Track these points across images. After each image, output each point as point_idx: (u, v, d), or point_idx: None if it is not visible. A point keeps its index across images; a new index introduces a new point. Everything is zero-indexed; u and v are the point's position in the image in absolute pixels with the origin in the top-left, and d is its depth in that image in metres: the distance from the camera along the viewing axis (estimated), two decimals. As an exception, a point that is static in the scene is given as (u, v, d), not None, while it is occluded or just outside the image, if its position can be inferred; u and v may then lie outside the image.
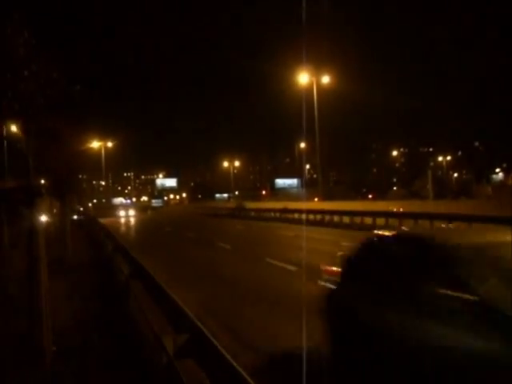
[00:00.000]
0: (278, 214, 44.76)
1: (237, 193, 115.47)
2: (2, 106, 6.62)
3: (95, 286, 13.68)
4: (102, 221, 40.99)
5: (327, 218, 35.42)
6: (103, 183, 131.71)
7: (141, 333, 8.52)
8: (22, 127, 7.18)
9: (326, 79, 47.91)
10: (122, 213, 78.70)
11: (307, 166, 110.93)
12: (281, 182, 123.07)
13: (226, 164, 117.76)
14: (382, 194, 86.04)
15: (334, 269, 7.05)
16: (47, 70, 6.87)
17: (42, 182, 15.08)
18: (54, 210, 25.39)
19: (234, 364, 5.03)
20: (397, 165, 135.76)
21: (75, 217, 71.38)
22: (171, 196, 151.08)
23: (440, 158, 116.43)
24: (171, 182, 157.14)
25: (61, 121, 9.62)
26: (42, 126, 7.80)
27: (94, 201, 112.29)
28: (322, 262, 7.81)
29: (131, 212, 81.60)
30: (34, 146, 7.33)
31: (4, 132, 12.50)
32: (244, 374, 4.79)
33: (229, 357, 5.23)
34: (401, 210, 33.06)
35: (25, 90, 6.54)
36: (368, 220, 30.64)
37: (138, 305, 9.46)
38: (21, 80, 6.45)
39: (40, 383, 6.60)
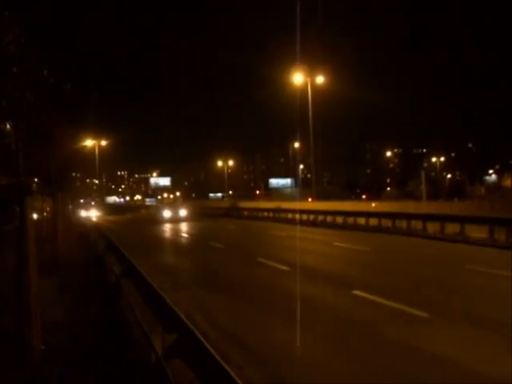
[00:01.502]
0: (271, 214, 44.71)
1: (231, 192, 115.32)
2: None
3: (86, 285, 13.62)
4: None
5: (320, 218, 35.38)
6: (97, 182, 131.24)
7: (130, 331, 8.50)
8: (11, 125, 7.14)
9: (320, 79, 47.86)
10: (166, 213, 47.11)
11: (301, 166, 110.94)
12: (274, 182, 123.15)
13: (220, 163, 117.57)
14: (375, 194, 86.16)
15: None
16: (37, 68, 6.83)
17: (36, 180, 15.00)
18: (48, 209, 25.25)
19: (224, 365, 5.02)
20: (391, 165, 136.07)
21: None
22: (165, 195, 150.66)
23: (434, 159, 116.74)
24: (165, 181, 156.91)
25: (51, 119, 9.56)
26: (32, 124, 7.75)
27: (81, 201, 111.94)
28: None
29: (183, 212, 47.52)
30: (24, 144, 7.29)
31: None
32: (234, 376, 4.78)
33: (219, 357, 5.21)
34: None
35: (14, 88, 6.49)
36: (361, 220, 30.64)
37: (129, 304, 9.45)
38: (10, 77, 6.40)
39: (28, 382, 6.56)
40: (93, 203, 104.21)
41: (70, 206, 46.59)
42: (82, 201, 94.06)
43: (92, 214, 75.27)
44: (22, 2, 6.80)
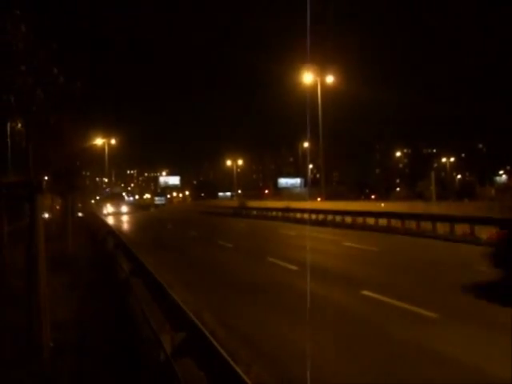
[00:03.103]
0: (280, 214, 44.68)
1: (239, 191, 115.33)
2: (2, 101, 6.61)
3: (95, 282, 13.66)
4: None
5: (329, 217, 35.33)
6: (106, 180, 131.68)
7: (139, 330, 8.51)
8: (22, 122, 7.19)
9: (330, 79, 47.81)
10: None
11: (310, 166, 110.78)
12: (283, 182, 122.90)
13: (229, 163, 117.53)
14: (384, 194, 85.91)
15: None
16: (47, 66, 6.86)
17: (46, 178, 15.05)
18: (58, 207, 25.38)
19: (232, 363, 5.01)
20: (400, 166, 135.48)
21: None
22: (174, 194, 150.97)
23: (443, 160, 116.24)
24: (174, 180, 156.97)
25: (61, 117, 9.60)
26: (42, 121, 7.78)
27: (97, 197, 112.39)
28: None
29: None
30: (34, 142, 7.32)
31: (8, 127, 12.48)
32: (241, 373, 4.77)
33: (227, 356, 5.20)
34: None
35: (23, 85, 6.52)
36: (370, 220, 30.56)
37: (138, 304, 9.46)
38: (19, 75, 6.43)
39: (37, 379, 6.58)
40: (126, 197, 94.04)
41: (80, 205, 46.74)
42: (97, 197, 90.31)
43: (123, 209, 65.00)
44: (32, 1, 6.83)
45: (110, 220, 47.61)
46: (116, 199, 72.65)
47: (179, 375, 5.51)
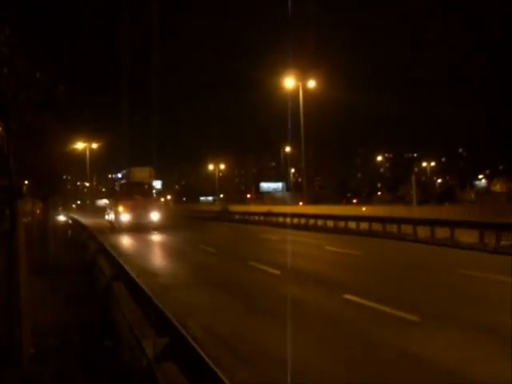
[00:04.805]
0: (262, 218, 44.70)
1: (222, 196, 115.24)
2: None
3: (77, 287, 13.56)
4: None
5: (311, 221, 35.42)
6: (87, 184, 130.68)
7: (121, 335, 8.47)
8: (2, 126, 7.12)
9: (312, 84, 47.97)
10: None
11: (292, 170, 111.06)
12: (266, 186, 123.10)
13: (211, 167, 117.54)
14: (366, 198, 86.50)
15: None
16: (30, 69, 6.82)
17: (26, 182, 14.91)
18: (38, 211, 25.10)
19: (215, 368, 5.02)
20: (381, 170, 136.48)
21: None
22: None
23: (424, 164, 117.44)
24: (156, 184, 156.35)
25: (43, 121, 9.54)
26: (24, 125, 7.72)
27: (78, 202, 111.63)
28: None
29: None
30: (15, 146, 7.26)
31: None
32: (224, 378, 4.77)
33: (209, 361, 5.21)
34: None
35: (5, 89, 6.48)
36: (352, 224, 30.68)
37: (120, 308, 9.42)
38: (2, 78, 6.39)
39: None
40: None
41: (60, 208, 46.27)
42: (78, 202, 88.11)
43: (154, 217, 36.02)
44: (15, 4, 6.79)
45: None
46: (138, 195, 37.23)
47: (161, 381, 5.50)
